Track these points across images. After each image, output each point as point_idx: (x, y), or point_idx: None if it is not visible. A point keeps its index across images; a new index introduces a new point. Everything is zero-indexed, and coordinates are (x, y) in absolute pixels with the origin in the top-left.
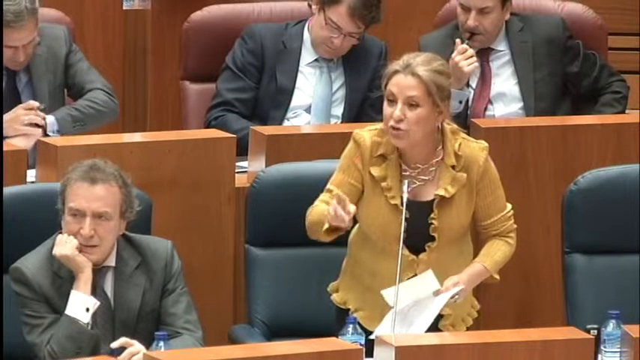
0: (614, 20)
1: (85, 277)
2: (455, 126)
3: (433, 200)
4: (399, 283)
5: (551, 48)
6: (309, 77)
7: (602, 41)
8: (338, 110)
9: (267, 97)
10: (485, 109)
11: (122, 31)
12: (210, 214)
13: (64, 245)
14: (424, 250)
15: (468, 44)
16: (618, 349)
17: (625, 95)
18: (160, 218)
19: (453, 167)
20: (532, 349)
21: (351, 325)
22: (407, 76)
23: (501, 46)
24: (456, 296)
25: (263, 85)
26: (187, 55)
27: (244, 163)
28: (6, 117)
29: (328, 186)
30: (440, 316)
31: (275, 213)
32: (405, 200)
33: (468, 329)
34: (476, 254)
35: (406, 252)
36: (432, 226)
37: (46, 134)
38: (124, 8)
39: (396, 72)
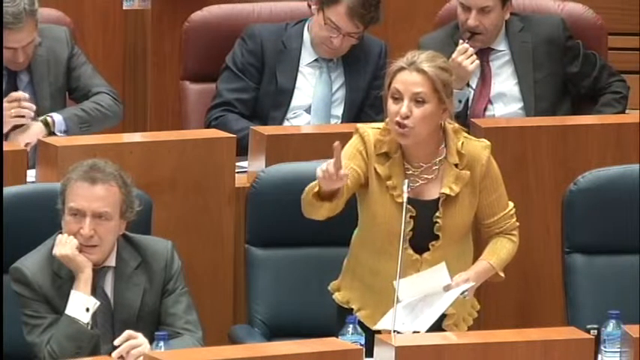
0: (614, 20)
1: (85, 277)
2: (457, 125)
3: (438, 199)
4: (403, 278)
5: (551, 48)
6: (309, 77)
7: (602, 41)
8: (338, 110)
9: (267, 98)
10: (485, 109)
11: (122, 31)
12: (210, 214)
13: (64, 245)
14: (428, 249)
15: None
16: (618, 349)
17: (625, 95)
18: (160, 218)
19: (456, 166)
20: (532, 349)
21: (351, 325)
22: (412, 72)
23: (501, 46)
24: (465, 292)
25: (263, 86)
26: (187, 55)
27: (244, 163)
28: None
29: None
30: (443, 316)
31: (275, 213)
32: (405, 199)
33: (468, 329)
34: (476, 253)
35: (410, 251)
36: (437, 224)
37: (52, 133)
38: (124, 8)
39: (401, 69)
